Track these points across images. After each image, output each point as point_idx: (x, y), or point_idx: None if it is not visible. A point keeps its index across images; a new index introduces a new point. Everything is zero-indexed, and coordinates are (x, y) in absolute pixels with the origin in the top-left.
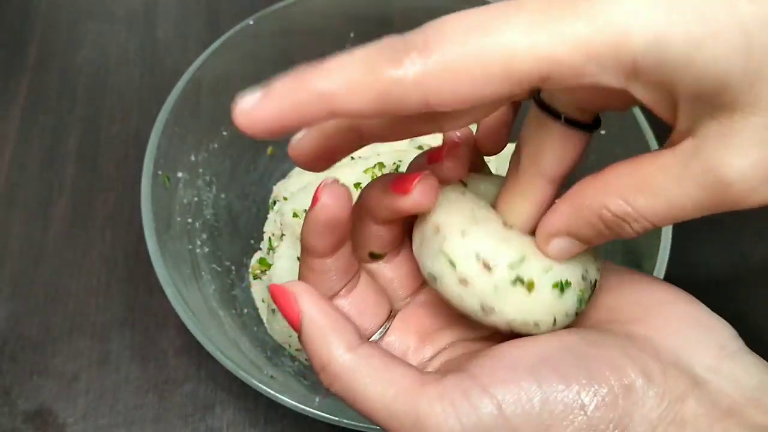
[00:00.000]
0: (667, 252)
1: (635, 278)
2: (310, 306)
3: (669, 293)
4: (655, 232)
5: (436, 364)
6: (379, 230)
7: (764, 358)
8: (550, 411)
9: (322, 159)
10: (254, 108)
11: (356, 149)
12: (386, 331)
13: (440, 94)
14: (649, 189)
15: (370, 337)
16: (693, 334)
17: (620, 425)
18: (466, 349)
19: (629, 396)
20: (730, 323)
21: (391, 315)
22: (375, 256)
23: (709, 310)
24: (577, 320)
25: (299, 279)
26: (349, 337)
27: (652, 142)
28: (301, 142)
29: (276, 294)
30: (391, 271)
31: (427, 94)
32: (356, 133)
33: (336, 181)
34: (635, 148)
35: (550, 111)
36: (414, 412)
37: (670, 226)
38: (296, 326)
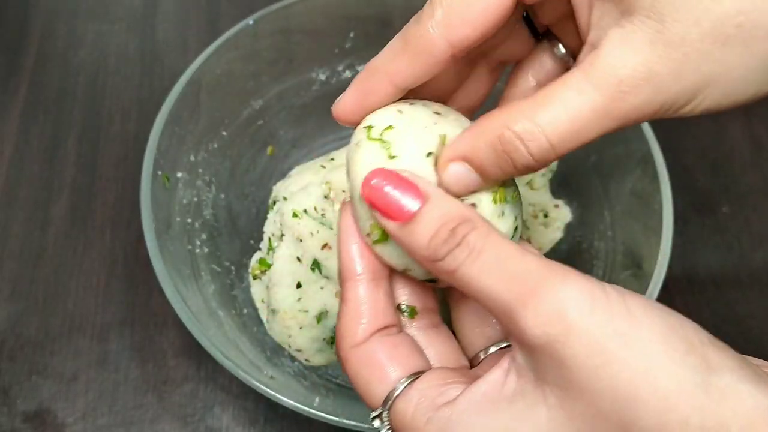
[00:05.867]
0: (668, 254)
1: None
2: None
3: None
4: (654, 234)
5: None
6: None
7: (763, 360)
8: (681, 333)
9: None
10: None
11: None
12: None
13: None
14: (550, 102)
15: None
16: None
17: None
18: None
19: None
20: (729, 326)
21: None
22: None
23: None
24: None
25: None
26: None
27: (653, 142)
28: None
29: (392, 181)
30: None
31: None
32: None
33: None
34: (636, 148)
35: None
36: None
37: (671, 229)
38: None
